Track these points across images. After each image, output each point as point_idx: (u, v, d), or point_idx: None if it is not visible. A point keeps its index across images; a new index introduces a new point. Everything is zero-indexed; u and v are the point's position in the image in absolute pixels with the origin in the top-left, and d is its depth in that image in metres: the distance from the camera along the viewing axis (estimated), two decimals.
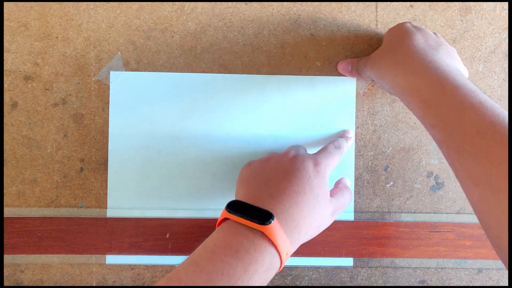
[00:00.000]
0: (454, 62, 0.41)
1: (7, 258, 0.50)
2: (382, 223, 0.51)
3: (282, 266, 0.37)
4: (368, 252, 0.51)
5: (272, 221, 0.35)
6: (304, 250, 0.50)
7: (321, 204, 0.39)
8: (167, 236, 0.50)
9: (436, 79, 0.37)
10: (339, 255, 0.51)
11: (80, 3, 0.50)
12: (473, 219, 0.52)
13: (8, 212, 0.50)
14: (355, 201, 0.51)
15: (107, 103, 0.50)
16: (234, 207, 0.38)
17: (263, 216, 0.36)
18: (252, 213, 0.36)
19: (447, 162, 0.38)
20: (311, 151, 0.49)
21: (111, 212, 0.50)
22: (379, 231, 0.51)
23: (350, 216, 0.51)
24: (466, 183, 0.35)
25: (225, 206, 0.38)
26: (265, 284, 0.36)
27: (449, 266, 0.52)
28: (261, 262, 0.35)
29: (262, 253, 0.35)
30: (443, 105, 0.36)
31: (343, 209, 0.43)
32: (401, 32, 0.44)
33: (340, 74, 0.51)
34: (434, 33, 0.46)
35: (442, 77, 0.37)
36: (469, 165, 0.33)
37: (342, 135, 0.50)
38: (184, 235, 0.50)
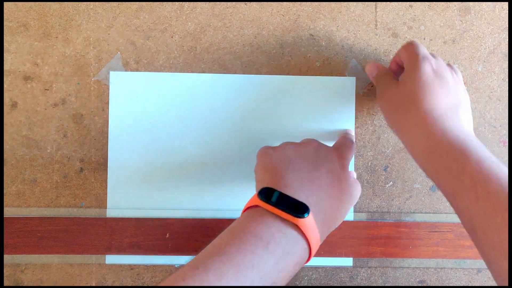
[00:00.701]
0: (470, 128, 0.40)
1: (7, 258, 0.50)
2: (382, 223, 0.51)
3: (310, 260, 0.36)
4: (367, 252, 0.51)
5: (307, 215, 0.34)
6: None
7: (347, 198, 0.39)
8: (167, 236, 0.50)
9: (459, 152, 0.36)
10: (339, 255, 0.51)
11: (79, 3, 0.50)
12: None
13: (8, 212, 0.50)
14: None
15: (106, 103, 0.50)
16: (266, 195, 0.35)
17: (298, 208, 0.34)
18: (286, 204, 0.34)
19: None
20: None
21: (110, 212, 0.50)
22: (379, 231, 0.51)
23: (349, 216, 0.51)
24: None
25: (256, 192, 0.36)
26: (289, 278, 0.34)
27: (448, 266, 0.52)
28: (291, 255, 0.33)
29: (293, 246, 0.34)
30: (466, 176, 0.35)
31: (354, 204, 0.42)
32: (421, 84, 0.40)
33: (340, 74, 0.51)
34: (449, 65, 0.44)
35: (465, 152, 0.36)
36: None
37: (346, 132, 0.50)
38: (184, 235, 0.50)
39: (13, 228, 0.49)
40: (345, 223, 0.51)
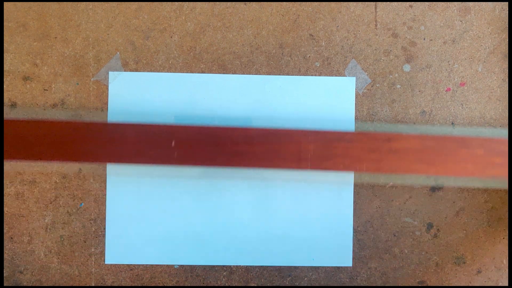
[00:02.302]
0: None
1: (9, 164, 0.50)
2: (406, 135, 0.46)
3: None
4: (388, 168, 0.46)
5: None
6: (322, 163, 0.46)
7: None
8: (173, 144, 0.46)
9: None
10: (360, 170, 0.46)
11: (79, 3, 0.50)
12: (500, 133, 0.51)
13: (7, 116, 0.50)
14: (354, 201, 0.51)
15: (106, 103, 0.50)
16: None
17: None
18: None
19: None
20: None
21: (112, 118, 0.49)
22: (403, 144, 0.46)
23: (351, 127, 0.51)
24: None
25: None
26: None
27: (448, 266, 0.52)
28: None
29: None
30: None
31: None
32: None
33: (339, 74, 0.51)
34: None
35: None
36: None
37: None
38: (191, 142, 0.46)
39: (11, 133, 0.45)
40: (367, 134, 0.45)
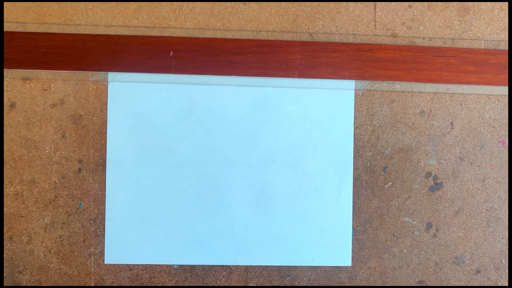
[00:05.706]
0: None
1: (9, 72, 0.49)
2: (386, 46, 0.50)
3: None
4: (371, 75, 0.50)
5: None
6: (307, 71, 0.50)
7: None
8: (171, 54, 0.49)
9: None
10: (342, 77, 0.50)
11: (78, 4, 0.50)
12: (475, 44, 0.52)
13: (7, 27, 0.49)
14: (353, 201, 0.51)
15: (105, 103, 0.50)
16: None
17: None
18: None
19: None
20: (310, 150, 0.49)
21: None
22: (383, 54, 0.50)
23: (350, 39, 0.51)
24: None
25: None
26: None
27: (447, 266, 0.52)
28: None
29: None
30: None
31: None
32: None
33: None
34: None
35: None
36: None
37: None
38: (188, 53, 0.50)
39: (17, 43, 0.49)
40: (349, 45, 0.50)
